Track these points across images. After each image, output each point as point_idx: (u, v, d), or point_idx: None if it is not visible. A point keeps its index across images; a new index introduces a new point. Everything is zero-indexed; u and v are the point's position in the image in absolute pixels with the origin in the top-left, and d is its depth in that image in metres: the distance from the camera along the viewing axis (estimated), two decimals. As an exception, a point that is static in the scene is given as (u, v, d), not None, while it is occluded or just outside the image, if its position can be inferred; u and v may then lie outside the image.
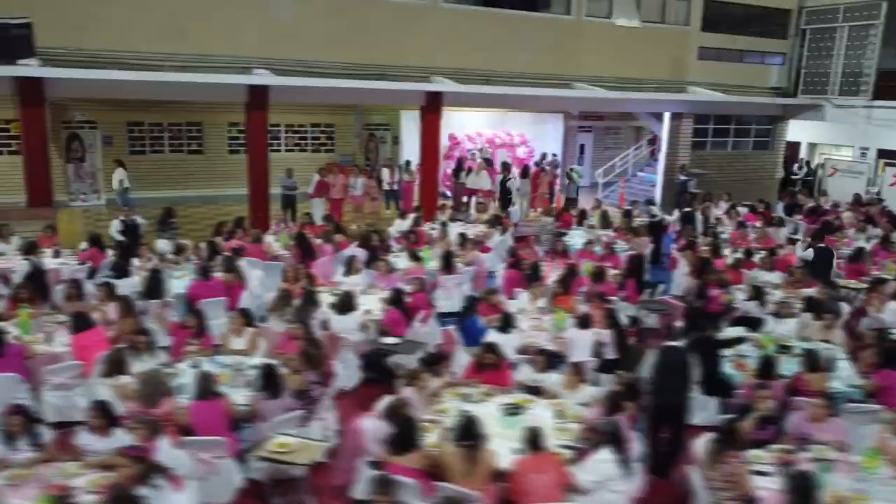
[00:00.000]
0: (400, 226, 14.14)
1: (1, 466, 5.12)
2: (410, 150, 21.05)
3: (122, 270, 9.80)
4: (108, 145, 18.34)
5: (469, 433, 5.34)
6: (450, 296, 10.65)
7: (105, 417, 5.41)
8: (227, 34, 14.45)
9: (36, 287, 9.13)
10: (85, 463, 5.23)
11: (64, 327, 7.79)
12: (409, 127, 21.09)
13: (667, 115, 19.73)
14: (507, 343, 7.67)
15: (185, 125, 19.11)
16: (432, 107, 16.24)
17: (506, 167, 17.78)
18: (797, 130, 22.49)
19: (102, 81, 12.99)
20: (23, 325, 7.71)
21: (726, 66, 20.48)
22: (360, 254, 11.57)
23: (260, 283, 10.12)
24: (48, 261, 10.77)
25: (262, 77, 14.28)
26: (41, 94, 12.70)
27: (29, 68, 12.10)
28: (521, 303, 9.42)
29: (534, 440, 5.27)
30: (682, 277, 11.61)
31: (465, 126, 20.96)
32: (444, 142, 21.34)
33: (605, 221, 14.87)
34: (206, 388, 5.93)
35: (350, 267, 10.36)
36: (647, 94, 18.62)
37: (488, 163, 18.71)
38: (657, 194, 20.32)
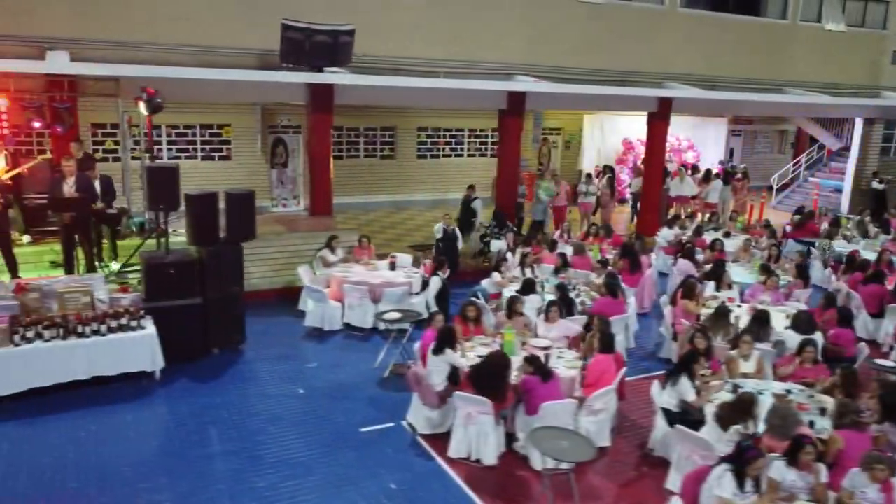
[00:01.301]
0: (667, 235, 13.92)
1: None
2: (590, 155, 20.98)
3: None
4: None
5: None
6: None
7: (812, 452, 5.16)
8: (494, 40, 14.21)
9: (441, 303, 8.93)
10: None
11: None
12: (590, 132, 21.01)
13: (859, 121, 19.49)
14: None
15: (379, 130, 18.86)
16: (662, 113, 15.99)
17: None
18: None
19: (383, 88, 12.73)
20: (508, 345, 7.47)
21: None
22: (688, 266, 11.38)
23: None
24: (391, 273, 10.60)
25: (525, 83, 14.05)
26: (331, 101, 12.48)
27: (338, 75, 11.89)
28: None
29: None
30: None
31: (634, 131, 20.72)
32: (617, 146, 21.35)
33: (863, 230, 14.64)
34: (853, 419, 5.70)
35: (719, 282, 10.12)
36: (862, 100, 18.36)
37: (684, 168, 18.48)
38: (844, 201, 20.09)
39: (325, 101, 12.37)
